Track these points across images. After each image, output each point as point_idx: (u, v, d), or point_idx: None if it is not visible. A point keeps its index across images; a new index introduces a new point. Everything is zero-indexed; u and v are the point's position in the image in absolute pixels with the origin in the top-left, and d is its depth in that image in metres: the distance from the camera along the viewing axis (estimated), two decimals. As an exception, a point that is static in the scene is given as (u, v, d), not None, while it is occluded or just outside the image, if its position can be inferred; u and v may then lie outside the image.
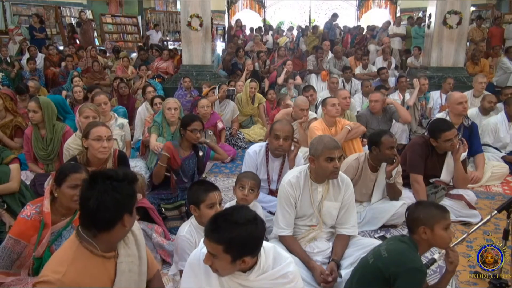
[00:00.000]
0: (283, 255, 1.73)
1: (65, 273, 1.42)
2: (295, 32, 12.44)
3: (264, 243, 1.65)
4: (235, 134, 5.36)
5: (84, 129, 2.75)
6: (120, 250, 1.61)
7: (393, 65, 8.09)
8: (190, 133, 3.11)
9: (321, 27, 11.15)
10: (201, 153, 3.26)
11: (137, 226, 1.73)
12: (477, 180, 3.87)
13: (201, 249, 1.67)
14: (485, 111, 4.63)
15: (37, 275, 1.99)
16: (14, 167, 2.87)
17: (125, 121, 4.16)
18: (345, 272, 2.21)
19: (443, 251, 1.98)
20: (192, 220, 2.30)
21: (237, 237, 1.47)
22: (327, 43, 8.61)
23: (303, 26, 12.89)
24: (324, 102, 3.96)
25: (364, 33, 10.51)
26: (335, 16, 10.80)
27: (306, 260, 2.29)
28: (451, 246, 1.97)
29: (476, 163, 3.93)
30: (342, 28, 11.60)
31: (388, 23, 10.39)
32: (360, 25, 12.59)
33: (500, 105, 5.14)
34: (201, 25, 6.98)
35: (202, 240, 1.71)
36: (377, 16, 13.24)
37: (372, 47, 8.98)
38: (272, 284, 1.62)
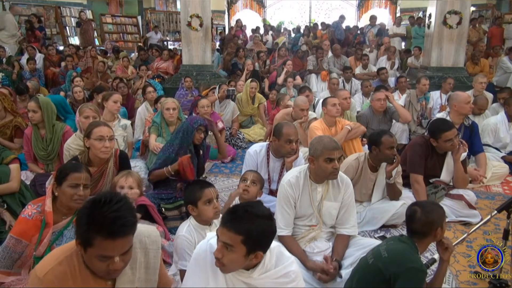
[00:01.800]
0: (285, 254, 1.73)
1: (46, 273, 1.41)
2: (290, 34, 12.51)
3: None
4: (235, 134, 5.36)
5: (86, 129, 2.75)
6: (120, 276, 1.51)
7: (396, 65, 8.10)
8: (195, 133, 3.11)
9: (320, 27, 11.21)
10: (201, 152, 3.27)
11: (156, 246, 1.63)
12: (482, 178, 3.75)
13: (209, 240, 1.66)
14: (475, 114, 4.63)
15: None
16: (14, 167, 2.87)
17: (128, 122, 4.19)
18: (345, 272, 2.20)
19: None
20: (191, 220, 2.30)
21: (257, 229, 1.48)
22: (327, 43, 8.62)
23: (303, 26, 12.90)
24: (324, 102, 3.97)
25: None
26: (342, 18, 10.89)
27: (303, 260, 2.28)
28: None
29: (478, 163, 3.92)
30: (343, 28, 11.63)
31: (374, 18, 10.42)
32: (358, 26, 12.61)
33: (496, 106, 5.16)
34: (201, 25, 6.98)
35: (209, 233, 1.70)
36: (377, 16, 13.23)
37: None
38: (274, 283, 1.62)
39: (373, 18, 10.41)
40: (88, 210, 1.36)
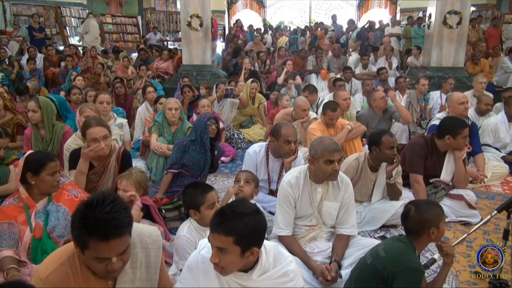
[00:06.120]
0: (284, 253, 1.73)
1: (48, 275, 1.41)
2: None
3: (266, 242, 1.64)
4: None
5: (81, 128, 2.82)
6: (121, 275, 1.51)
7: (394, 65, 8.10)
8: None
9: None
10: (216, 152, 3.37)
11: (157, 245, 1.63)
12: (483, 177, 3.73)
13: (200, 251, 1.67)
14: (482, 112, 4.63)
15: (34, 257, 2.19)
16: (14, 168, 2.88)
17: (124, 121, 4.17)
18: (345, 272, 2.21)
19: None
20: (191, 221, 2.30)
21: (247, 226, 1.48)
22: (327, 43, 8.61)
23: (303, 27, 12.92)
24: (323, 109, 3.94)
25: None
26: (334, 17, 10.89)
27: (306, 260, 2.29)
28: (452, 246, 1.98)
29: (476, 164, 3.92)
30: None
31: (352, 22, 10.45)
32: (357, 26, 12.62)
33: (498, 105, 5.15)
34: (201, 25, 6.98)
35: (201, 241, 1.71)
36: (377, 16, 13.23)
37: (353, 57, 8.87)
38: (273, 284, 1.62)
39: (350, 23, 10.36)
40: (81, 213, 1.34)
